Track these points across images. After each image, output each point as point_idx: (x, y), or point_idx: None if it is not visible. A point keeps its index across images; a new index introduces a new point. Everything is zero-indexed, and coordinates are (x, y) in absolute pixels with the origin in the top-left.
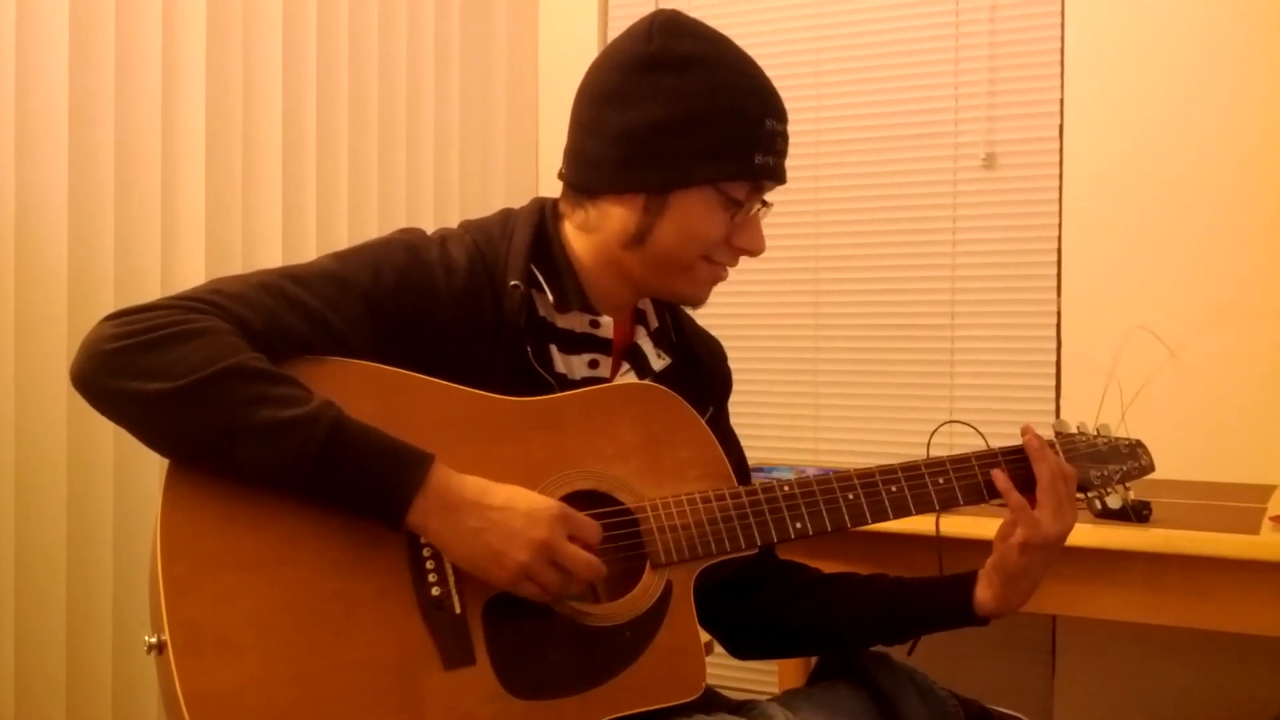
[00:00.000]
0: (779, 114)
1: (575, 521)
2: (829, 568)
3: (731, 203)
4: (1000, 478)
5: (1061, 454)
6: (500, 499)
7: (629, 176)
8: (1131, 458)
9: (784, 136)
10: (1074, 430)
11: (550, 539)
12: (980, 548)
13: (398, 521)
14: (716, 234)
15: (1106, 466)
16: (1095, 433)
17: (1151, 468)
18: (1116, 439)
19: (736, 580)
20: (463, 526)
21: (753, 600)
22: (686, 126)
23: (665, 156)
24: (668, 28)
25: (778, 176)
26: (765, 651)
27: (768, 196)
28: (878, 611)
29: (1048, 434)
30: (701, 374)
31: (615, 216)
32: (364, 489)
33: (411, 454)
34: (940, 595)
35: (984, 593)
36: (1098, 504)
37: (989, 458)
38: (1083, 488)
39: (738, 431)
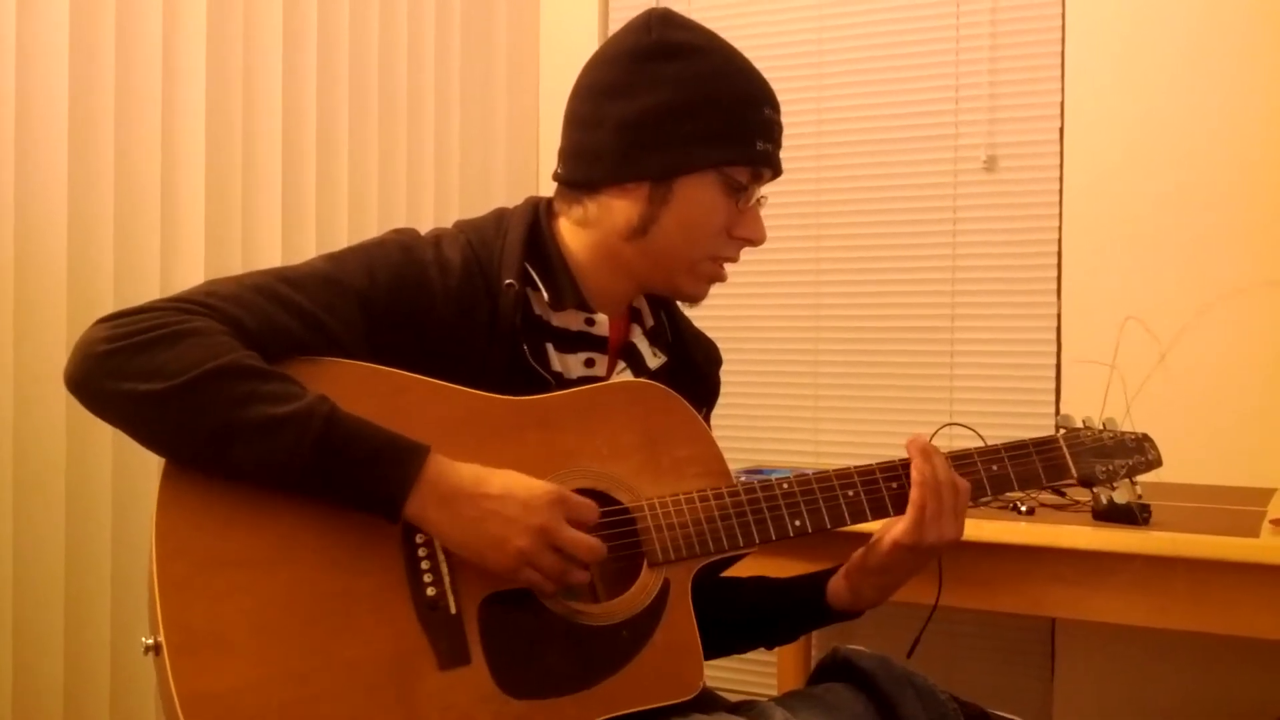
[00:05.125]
0: (774, 103)
1: (572, 504)
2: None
3: (734, 189)
4: (920, 469)
5: (950, 466)
6: (496, 487)
7: (632, 165)
8: (1139, 452)
9: (779, 126)
10: (1079, 425)
11: (548, 524)
12: (978, 548)
13: (395, 514)
14: (719, 222)
15: (1113, 461)
16: (1101, 427)
17: (1159, 462)
18: (1123, 433)
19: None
20: (461, 516)
21: None
22: (688, 113)
23: (668, 143)
24: (665, 20)
25: (776, 166)
26: None
27: (768, 191)
28: (751, 615)
29: (1049, 431)
30: (696, 375)
31: (618, 209)
32: (360, 483)
33: (407, 446)
34: (798, 594)
35: (837, 584)
36: (1103, 499)
37: (993, 454)
38: (1087, 483)
39: (737, 432)
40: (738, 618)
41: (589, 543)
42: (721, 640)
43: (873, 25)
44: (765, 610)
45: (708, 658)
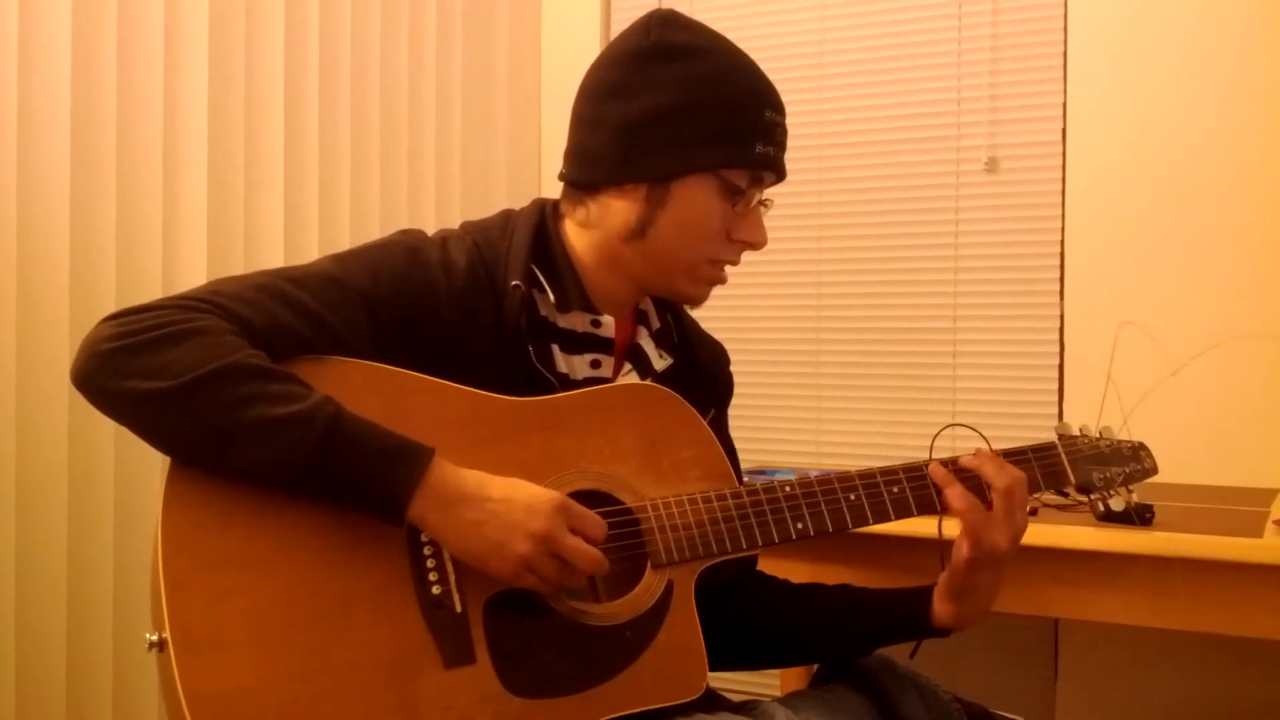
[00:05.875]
0: (778, 105)
1: (575, 513)
2: (831, 571)
3: (732, 192)
4: (957, 496)
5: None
6: (499, 491)
7: (630, 167)
8: (1134, 460)
9: (783, 129)
10: (1076, 432)
11: (550, 531)
12: None
13: (398, 517)
14: (716, 224)
15: (1109, 469)
16: (1098, 435)
17: (1154, 470)
18: (1119, 441)
19: (709, 588)
20: (462, 520)
21: (723, 609)
22: (686, 115)
23: (666, 145)
24: (665, 22)
25: (777, 168)
26: (726, 660)
27: (769, 194)
28: (835, 623)
29: (1050, 436)
30: (703, 377)
31: (616, 210)
32: (363, 485)
33: (410, 448)
34: (898, 609)
35: (941, 607)
36: (1100, 506)
37: None
38: (1085, 490)
39: (740, 433)
40: (824, 629)
41: (590, 554)
42: (790, 647)
43: (874, 26)
44: (856, 622)
45: (773, 665)
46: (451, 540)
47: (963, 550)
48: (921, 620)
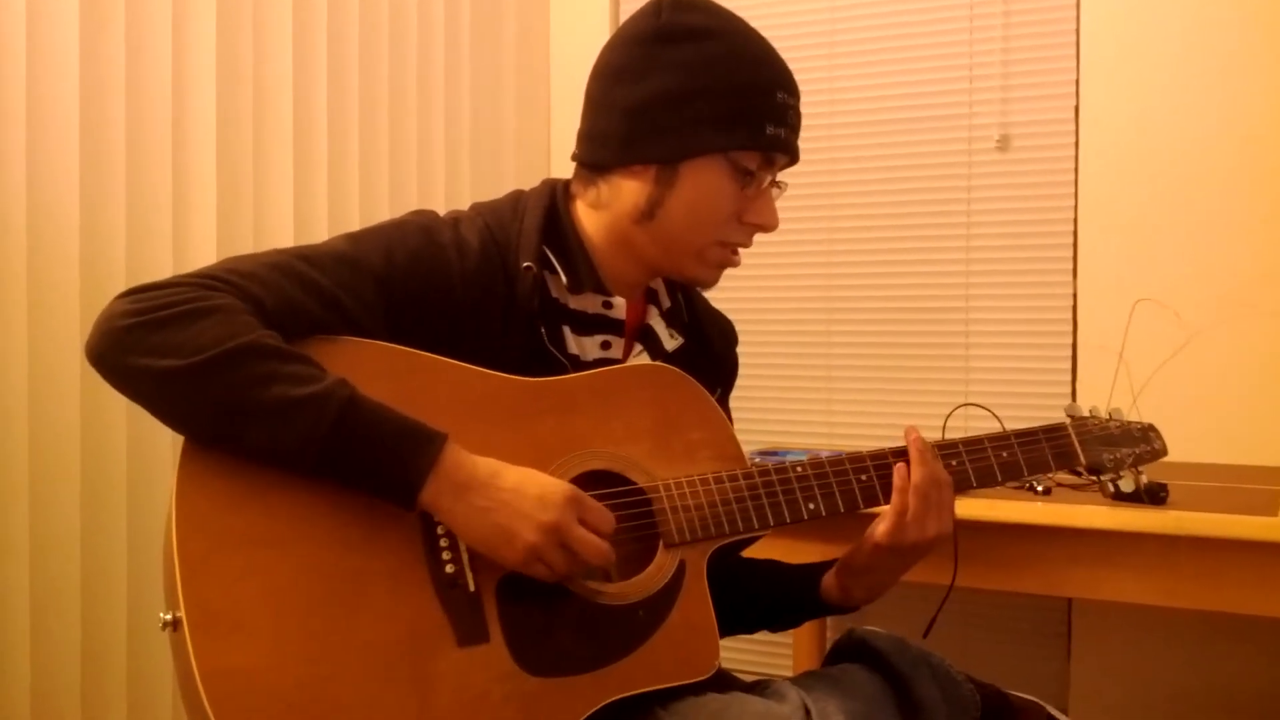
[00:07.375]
0: (790, 87)
1: (587, 505)
2: (842, 551)
3: (742, 174)
4: (900, 472)
5: (938, 458)
6: (511, 481)
7: (639, 149)
8: (1144, 441)
9: (795, 111)
10: (1086, 414)
11: (560, 522)
12: (995, 528)
13: (410, 502)
14: (726, 207)
15: (1119, 450)
16: (1108, 416)
17: (1164, 452)
18: (1128, 423)
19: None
20: (474, 506)
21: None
22: (695, 96)
23: (675, 127)
24: (676, 3)
25: (789, 150)
26: None
27: (782, 177)
28: (757, 598)
29: (1060, 417)
30: (711, 355)
31: (627, 191)
32: (376, 469)
33: (424, 433)
34: (796, 583)
35: (830, 581)
36: (1110, 487)
37: (1002, 441)
38: (1095, 470)
39: (752, 414)
40: (744, 601)
41: (599, 546)
42: (727, 620)
43: (885, 3)
44: (769, 597)
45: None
46: (462, 526)
47: (879, 530)
48: (811, 594)
